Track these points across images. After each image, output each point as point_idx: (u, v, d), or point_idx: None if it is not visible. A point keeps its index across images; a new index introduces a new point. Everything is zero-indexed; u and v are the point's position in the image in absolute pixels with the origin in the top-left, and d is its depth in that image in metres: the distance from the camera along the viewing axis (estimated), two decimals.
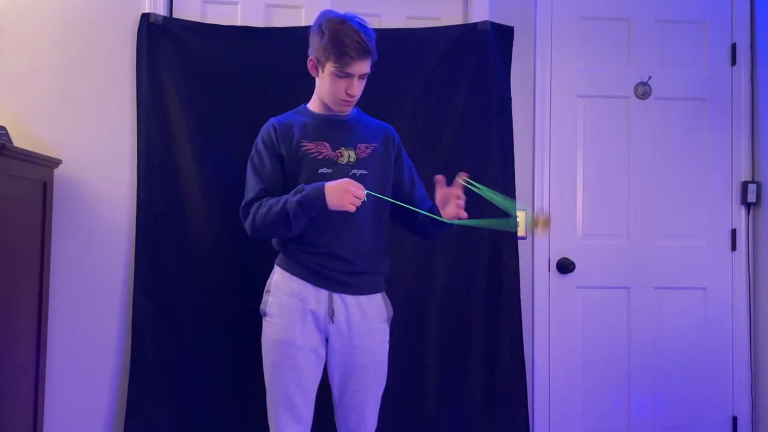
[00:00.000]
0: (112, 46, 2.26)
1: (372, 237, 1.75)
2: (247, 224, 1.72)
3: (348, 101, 1.71)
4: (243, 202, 1.74)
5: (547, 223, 1.60)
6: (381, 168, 1.77)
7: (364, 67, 1.67)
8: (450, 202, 1.67)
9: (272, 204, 1.66)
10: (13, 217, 1.93)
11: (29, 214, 2.05)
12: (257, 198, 1.71)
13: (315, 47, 1.69)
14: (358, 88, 1.69)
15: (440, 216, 1.68)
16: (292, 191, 1.65)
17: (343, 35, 1.62)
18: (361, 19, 1.69)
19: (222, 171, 2.18)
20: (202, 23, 2.28)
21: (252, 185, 1.74)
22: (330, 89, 1.70)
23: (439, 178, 1.68)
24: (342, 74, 1.65)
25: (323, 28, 1.66)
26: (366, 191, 1.60)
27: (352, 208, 1.58)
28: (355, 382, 1.72)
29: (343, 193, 1.57)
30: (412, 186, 1.87)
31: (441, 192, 1.69)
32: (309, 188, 1.62)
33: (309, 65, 1.74)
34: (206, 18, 2.34)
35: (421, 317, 2.28)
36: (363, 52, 1.64)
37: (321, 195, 1.59)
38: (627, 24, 2.48)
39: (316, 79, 1.75)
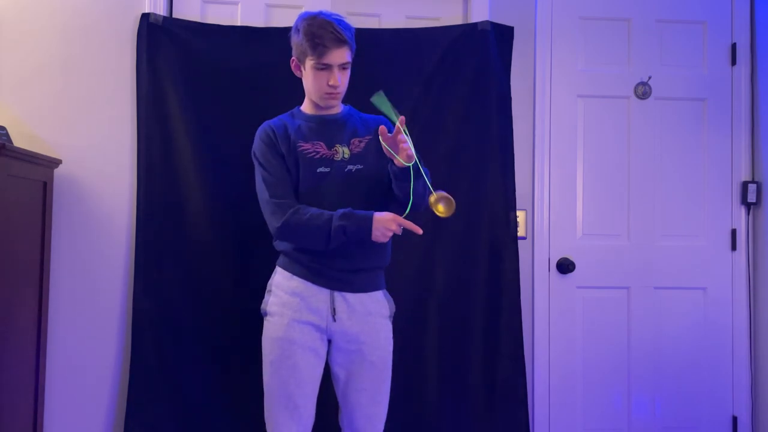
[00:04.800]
0: (112, 46, 2.26)
1: None
2: (277, 224, 1.66)
3: (333, 93, 1.72)
4: (269, 201, 1.68)
5: (446, 204, 1.55)
6: (376, 160, 1.76)
7: (341, 56, 1.68)
8: (398, 149, 1.58)
9: (313, 216, 1.64)
10: (13, 217, 1.92)
11: (29, 214, 2.04)
12: (287, 196, 1.68)
13: (294, 47, 1.74)
14: (340, 78, 1.70)
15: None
16: (339, 214, 1.62)
17: (315, 28, 1.66)
18: (336, 14, 1.73)
19: (222, 171, 2.18)
20: (202, 23, 2.28)
21: (273, 184, 1.69)
22: (313, 84, 1.72)
23: (382, 129, 1.58)
24: (321, 66, 1.68)
25: (298, 27, 1.71)
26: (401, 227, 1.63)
27: (386, 239, 1.64)
28: (362, 380, 1.72)
29: (386, 231, 1.62)
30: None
31: (386, 140, 1.60)
32: (358, 218, 1.62)
33: (292, 66, 1.78)
34: (206, 18, 2.34)
35: (421, 317, 2.28)
36: (337, 41, 1.66)
37: (368, 227, 1.62)
38: (627, 24, 2.48)
39: (303, 79, 1.77)
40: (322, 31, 1.65)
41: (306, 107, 1.82)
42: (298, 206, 1.68)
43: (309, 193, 1.71)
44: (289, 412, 1.67)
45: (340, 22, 1.69)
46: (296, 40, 1.72)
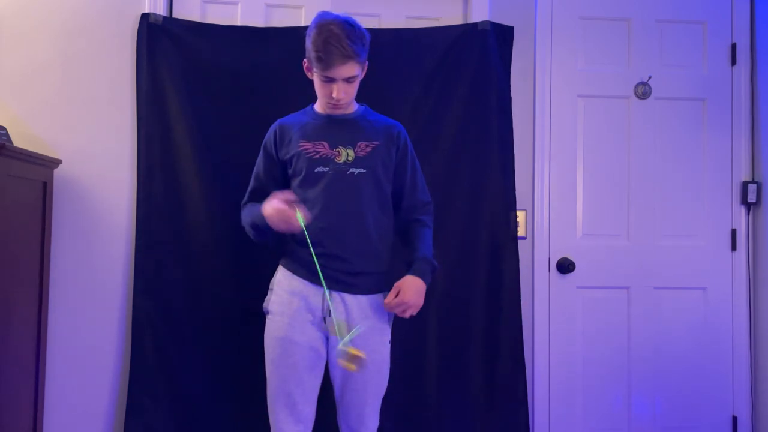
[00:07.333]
0: (112, 46, 2.26)
1: (377, 238, 1.75)
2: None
3: (335, 104, 1.72)
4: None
5: (355, 360, 1.55)
6: (382, 167, 1.77)
7: (347, 71, 1.65)
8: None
9: (244, 215, 1.81)
10: (13, 217, 1.92)
11: (29, 214, 2.04)
12: (247, 200, 1.84)
13: (306, 50, 1.72)
14: (343, 91, 1.68)
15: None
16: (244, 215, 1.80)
17: (323, 39, 1.62)
18: (353, 21, 1.67)
19: (222, 170, 2.18)
20: (202, 23, 2.28)
21: (250, 191, 1.86)
22: (319, 92, 1.74)
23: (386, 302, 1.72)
24: (325, 78, 1.67)
25: (310, 32, 1.67)
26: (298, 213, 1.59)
27: (296, 229, 1.60)
28: (356, 381, 1.72)
29: (275, 218, 1.61)
30: (413, 190, 1.85)
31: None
32: (256, 213, 1.70)
33: (304, 67, 1.77)
34: (206, 18, 2.34)
35: (421, 317, 2.27)
36: (343, 57, 1.62)
37: (264, 220, 1.67)
38: (627, 24, 2.48)
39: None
40: (328, 45, 1.61)
41: (318, 105, 1.82)
42: (244, 204, 1.83)
43: (306, 191, 1.72)
44: (289, 410, 1.69)
45: (353, 33, 1.63)
46: (307, 45, 1.69)
